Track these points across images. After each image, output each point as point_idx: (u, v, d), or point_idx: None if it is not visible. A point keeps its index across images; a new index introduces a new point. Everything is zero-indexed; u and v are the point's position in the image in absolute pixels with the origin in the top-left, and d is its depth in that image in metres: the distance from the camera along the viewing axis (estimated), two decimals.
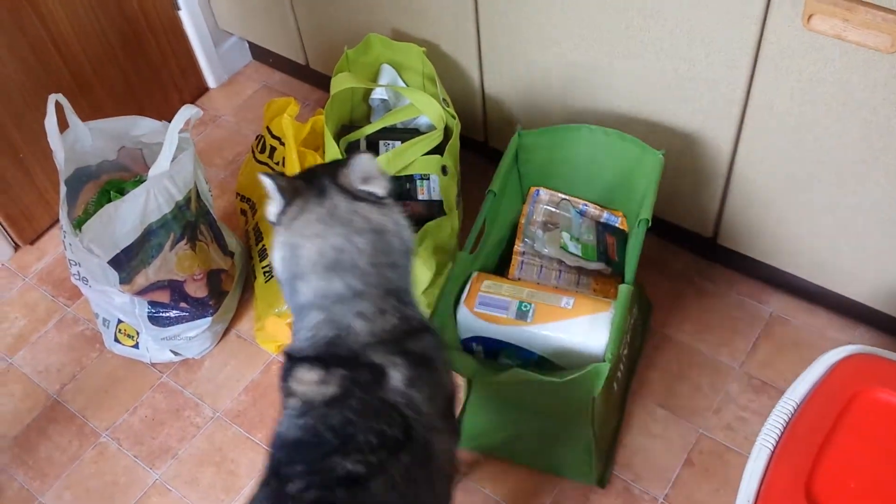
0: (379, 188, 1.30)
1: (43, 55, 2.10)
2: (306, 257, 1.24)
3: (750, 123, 1.63)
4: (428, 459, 1.19)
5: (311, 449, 1.12)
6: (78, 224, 1.72)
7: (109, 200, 1.87)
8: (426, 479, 1.18)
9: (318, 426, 1.13)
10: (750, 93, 1.58)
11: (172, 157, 1.68)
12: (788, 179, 1.67)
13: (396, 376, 1.18)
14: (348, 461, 1.09)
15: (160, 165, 1.67)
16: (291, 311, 1.29)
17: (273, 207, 1.29)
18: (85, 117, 1.88)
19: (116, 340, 1.99)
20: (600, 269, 1.71)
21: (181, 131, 1.69)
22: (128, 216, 1.67)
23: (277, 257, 1.29)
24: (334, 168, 1.31)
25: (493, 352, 1.58)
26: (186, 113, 1.68)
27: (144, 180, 1.75)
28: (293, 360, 1.21)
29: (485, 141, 2.18)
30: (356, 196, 1.28)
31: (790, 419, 1.31)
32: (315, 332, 1.22)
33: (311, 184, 1.29)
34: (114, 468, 1.87)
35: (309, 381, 1.18)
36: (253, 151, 2.16)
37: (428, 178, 1.92)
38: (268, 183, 1.28)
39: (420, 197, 1.92)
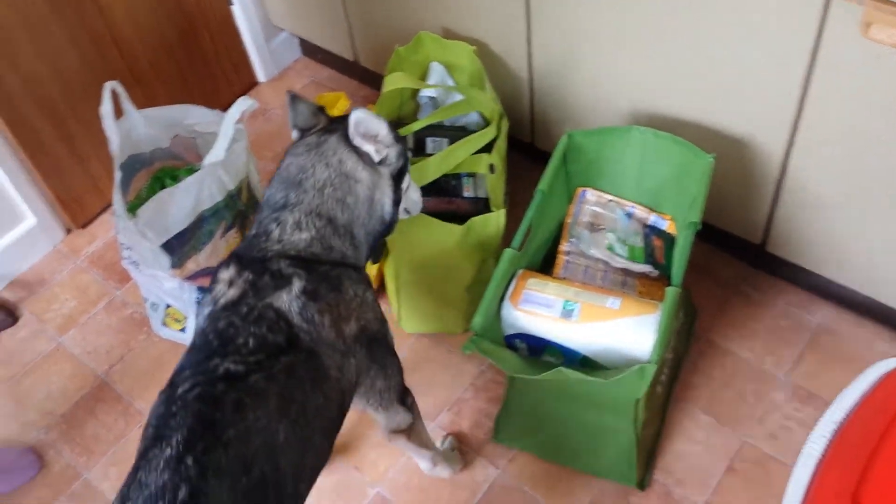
0: (374, 151, 1.41)
1: (101, 46, 2.15)
2: (280, 170, 1.42)
3: (803, 130, 1.61)
4: (314, 367, 1.25)
5: (198, 352, 1.23)
6: (131, 209, 1.75)
7: (163, 187, 1.92)
8: (311, 380, 1.25)
9: (207, 330, 1.25)
10: (804, 100, 1.56)
11: (227, 147, 1.71)
12: (841, 188, 1.65)
13: (297, 285, 1.27)
14: (227, 361, 1.19)
15: (215, 154, 1.70)
16: None
17: (293, 124, 1.46)
18: (139, 107, 1.92)
19: (164, 324, 2.03)
20: (647, 271, 1.70)
21: (236, 122, 1.72)
22: (182, 203, 1.70)
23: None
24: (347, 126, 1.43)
25: (536, 349, 1.59)
26: (242, 104, 1.71)
27: (197, 169, 1.78)
28: (226, 258, 1.34)
29: (531, 141, 2.19)
30: (351, 146, 1.40)
31: (838, 428, 1.29)
32: (249, 233, 1.37)
33: (329, 123, 1.45)
34: None
35: (223, 278, 1.30)
36: None
37: (473, 176, 1.93)
38: (287, 101, 1.46)
39: (465, 194, 1.93)
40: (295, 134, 1.47)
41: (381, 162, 1.42)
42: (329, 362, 1.28)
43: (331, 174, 1.38)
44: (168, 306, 1.99)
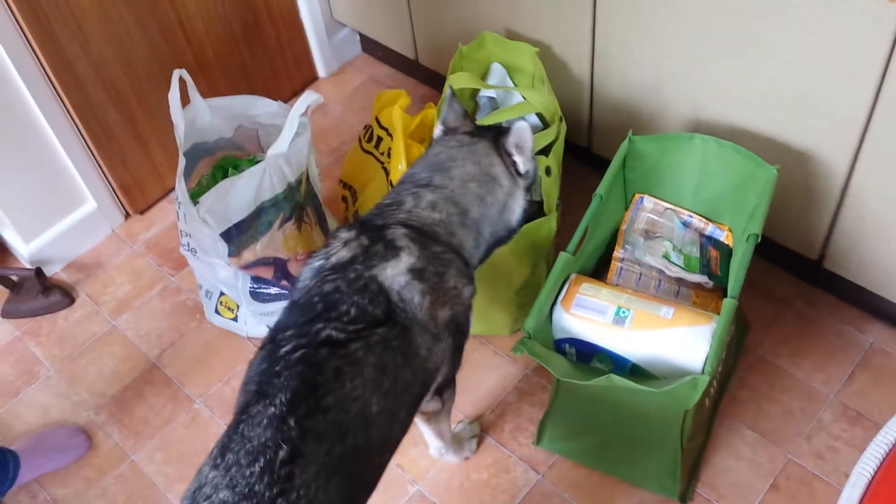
0: (521, 163, 1.48)
1: (169, 35, 2.20)
2: (428, 154, 1.49)
3: (869, 147, 1.59)
4: (406, 343, 1.29)
5: (302, 312, 1.27)
6: (192, 196, 1.79)
7: (224, 176, 1.95)
8: (403, 353, 1.29)
9: (313, 290, 1.29)
10: (872, 115, 1.54)
11: (291, 139, 1.74)
12: None
13: (406, 260, 1.31)
14: (329, 327, 1.23)
15: (279, 146, 1.73)
16: None
17: (437, 129, 1.55)
18: (202, 96, 1.95)
19: (217, 312, 2.06)
20: (702, 282, 1.69)
21: (301, 115, 1.74)
22: (243, 192, 1.73)
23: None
24: (501, 130, 1.51)
25: (585, 355, 1.58)
26: (308, 98, 1.73)
27: (259, 160, 1.81)
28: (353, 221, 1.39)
29: (588, 146, 2.18)
30: (500, 155, 1.48)
31: (890, 451, 1.27)
32: (381, 201, 1.43)
33: (478, 129, 1.53)
34: (204, 434, 1.94)
35: (341, 237, 1.35)
36: (360, 140, 2.21)
37: None
38: (448, 96, 1.54)
39: None
40: (439, 129, 1.54)
41: (522, 175, 1.50)
42: (420, 341, 1.32)
43: (479, 172, 1.45)
44: (222, 294, 2.02)
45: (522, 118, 1.49)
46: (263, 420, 1.15)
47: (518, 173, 1.49)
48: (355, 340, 1.23)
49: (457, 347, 1.43)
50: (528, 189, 1.54)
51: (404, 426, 1.35)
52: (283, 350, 1.22)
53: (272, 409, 1.16)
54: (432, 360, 1.36)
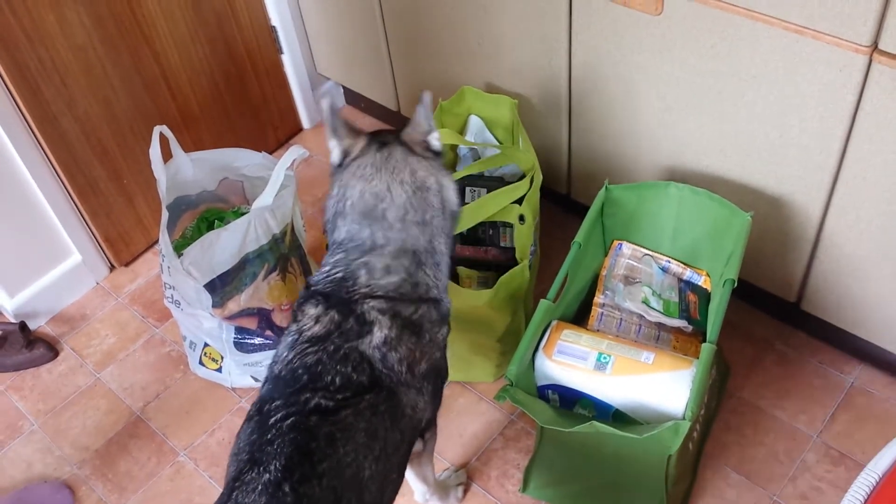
0: (434, 141, 1.42)
1: (153, 90, 2.23)
2: (350, 198, 1.38)
3: (841, 191, 1.62)
4: (393, 405, 1.30)
5: (287, 384, 1.26)
6: (176, 248, 1.80)
7: (209, 227, 1.97)
8: (391, 416, 1.30)
9: (296, 363, 1.28)
10: (843, 162, 1.58)
11: (276, 192, 1.76)
12: (880, 249, 1.65)
13: (378, 335, 1.31)
14: (317, 396, 1.24)
15: (264, 199, 1.75)
16: (329, 246, 1.43)
17: (334, 150, 1.42)
18: (186, 149, 1.99)
19: (201, 363, 2.06)
20: (681, 326, 1.71)
21: (287, 169, 1.77)
22: (228, 244, 1.75)
23: (330, 197, 1.42)
24: (399, 128, 1.44)
25: (568, 401, 1.59)
26: (294, 153, 1.76)
27: (244, 212, 1.83)
28: (309, 290, 1.37)
29: (567, 193, 2.22)
30: (413, 150, 1.40)
31: (871, 492, 1.28)
32: (331, 269, 1.38)
33: (375, 137, 1.43)
34: (189, 487, 1.92)
35: (310, 314, 1.33)
36: None
37: (511, 227, 1.96)
38: (327, 119, 1.41)
39: (502, 243, 1.96)
40: (336, 143, 1.41)
41: (440, 153, 1.43)
42: (405, 400, 1.33)
43: (408, 194, 1.36)
44: (206, 345, 2.03)
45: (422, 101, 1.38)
46: (258, 486, 1.15)
47: (436, 154, 1.42)
48: (344, 408, 1.24)
49: (436, 390, 1.44)
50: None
51: (395, 487, 1.36)
52: (273, 419, 1.22)
53: (267, 475, 1.15)
54: (416, 417, 1.37)
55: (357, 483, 1.22)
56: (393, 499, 1.35)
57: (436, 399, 1.45)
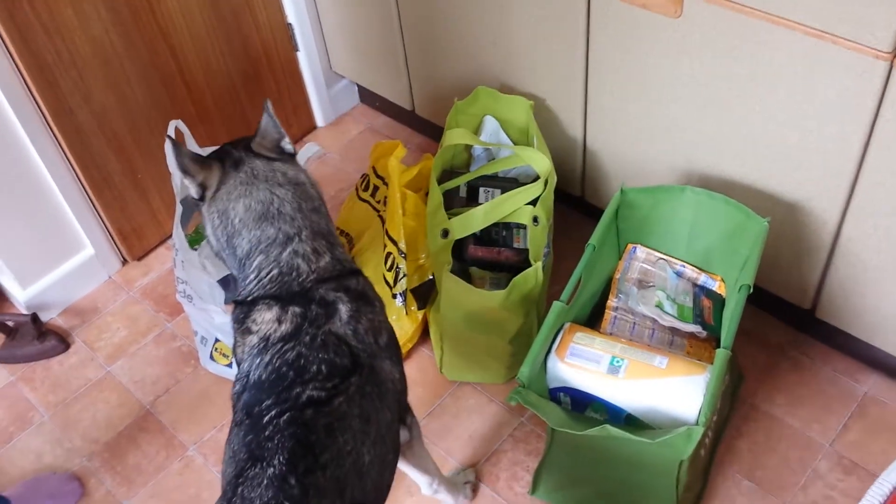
0: (287, 145, 1.45)
1: (170, 85, 2.24)
2: (236, 215, 1.38)
3: (859, 198, 1.61)
4: (376, 382, 1.31)
5: (274, 384, 1.25)
6: (190, 243, 1.80)
7: None
8: (378, 395, 1.31)
9: (277, 362, 1.26)
10: (861, 168, 1.57)
11: None
12: (895, 258, 1.64)
13: (344, 310, 1.32)
14: (308, 389, 1.23)
15: None
16: (235, 274, 1.42)
17: (191, 187, 1.42)
18: (201, 144, 1.98)
19: (211, 358, 2.06)
20: (695, 331, 1.70)
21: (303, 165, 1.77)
22: None
23: (209, 230, 1.42)
24: (244, 140, 1.45)
25: (580, 404, 1.59)
26: (310, 150, 1.77)
27: None
28: (247, 303, 1.34)
29: (581, 195, 2.21)
30: (270, 158, 1.42)
31: (885, 501, 1.27)
32: (258, 273, 1.35)
33: (226, 159, 1.42)
34: (198, 482, 1.92)
35: (267, 319, 1.30)
36: (356, 189, 2.23)
37: (524, 228, 1.95)
38: (170, 155, 1.46)
39: (516, 245, 1.95)
40: (192, 183, 1.40)
41: (295, 153, 1.47)
42: (384, 375, 1.33)
43: (291, 191, 1.39)
44: (217, 341, 2.03)
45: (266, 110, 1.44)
46: (263, 480, 1.15)
47: (290, 155, 1.45)
48: (336, 396, 1.24)
49: (400, 363, 1.44)
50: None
51: (392, 469, 1.36)
52: (268, 417, 1.21)
53: (271, 469, 1.15)
54: (397, 387, 1.39)
55: (358, 470, 1.23)
56: (391, 481, 1.35)
57: (402, 373, 1.45)
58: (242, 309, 1.35)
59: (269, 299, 1.32)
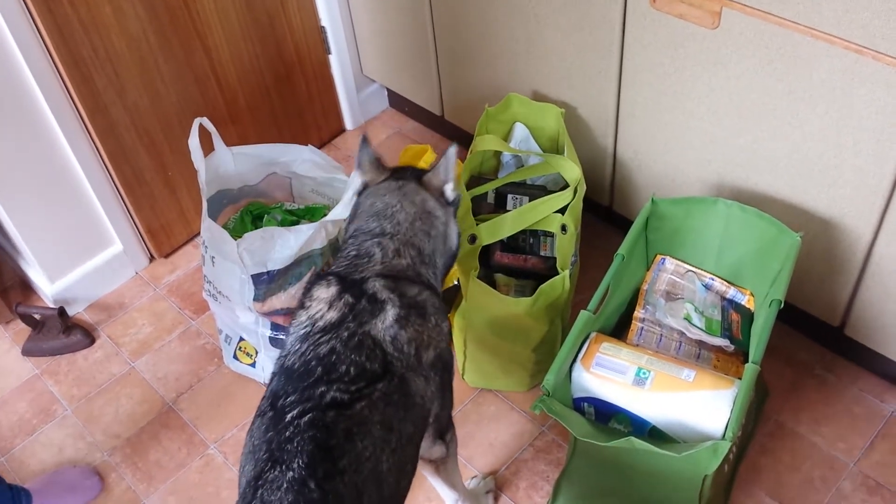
0: (449, 192, 1.53)
1: (203, 84, 2.25)
2: (364, 207, 1.51)
3: (893, 216, 1.59)
4: (405, 393, 1.31)
5: (301, 377, 1.26)
6: (233, 233, 1.80)
7: (253, 221, 1.98)
8: (403, 406, 1.31)
9: (309, 355, 1.29)
10: None
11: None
12: None
13: (391, 312, 1.33)
14: (332, 389, 1.24)
15: (339, 213, 1.78)
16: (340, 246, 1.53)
17: (356, 181, 1.57)
18: (232, 144, 2.00)
19: (235, 357, 2.07)
20: (723, 345, 1.68)
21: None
22: (289, 244, 1.76)
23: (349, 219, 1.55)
24: (418, 170, 1.56)
25: (604, 415, 1.57)
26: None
27: (289, 209, 1.82)
28: (318, 275, 1.42)
29: (609, 205, 2.20)
30: (428, 190, 1.52)
31: None
32: (344, 256, 1.44)
33: (396, 172, 1.56)
34: (217, 480, 1.93)
35: (322, 297, 1.34)
36: None
37: (552, 236, 1.95)
38: (361, 143, 1.58)
39: (542, 252, 1.95)
40: (359, 176, 1.57)
41: (451, 202, 1.55)
42: (415, 388, 1.33)
43: (418, 210, 1.49)
44: (241, 340, 2.03)
45: (453, 144, 1.53)
46: (283, 484, 1.15)
47: (447, 202, 1.54)
48: (359, 400, 1.24)
49: (444, 385, 1.44)
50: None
51: (409, 479, 1.36)
52: (290, 416, 1.22)
53: (291, 472, 1.16)
54: (426, 407, 1.37)
55: (377, 476, 1.23)
56: (406, 491, 1.35)
57: (445, 395, 1.46)
58: (311, 279, 1.43)
59: (333, 276, 1.38)
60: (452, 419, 1.55)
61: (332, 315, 1.32)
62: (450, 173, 1.51)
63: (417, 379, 1.33)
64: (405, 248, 1.44)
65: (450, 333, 1.48)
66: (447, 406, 1.49)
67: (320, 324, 1.32)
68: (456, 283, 2.01)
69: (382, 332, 1.31)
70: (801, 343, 2.01)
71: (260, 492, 1.16)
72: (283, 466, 1.16)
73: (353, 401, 1.23)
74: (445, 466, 1.61)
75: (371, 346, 1.29)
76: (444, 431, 1.52)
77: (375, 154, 1.58)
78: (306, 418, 1.20)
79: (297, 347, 1.31)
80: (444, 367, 1.42)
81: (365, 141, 1.58)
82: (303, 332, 1.33)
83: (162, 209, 2.33)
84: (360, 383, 1.25)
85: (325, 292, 1.35)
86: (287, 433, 1.19)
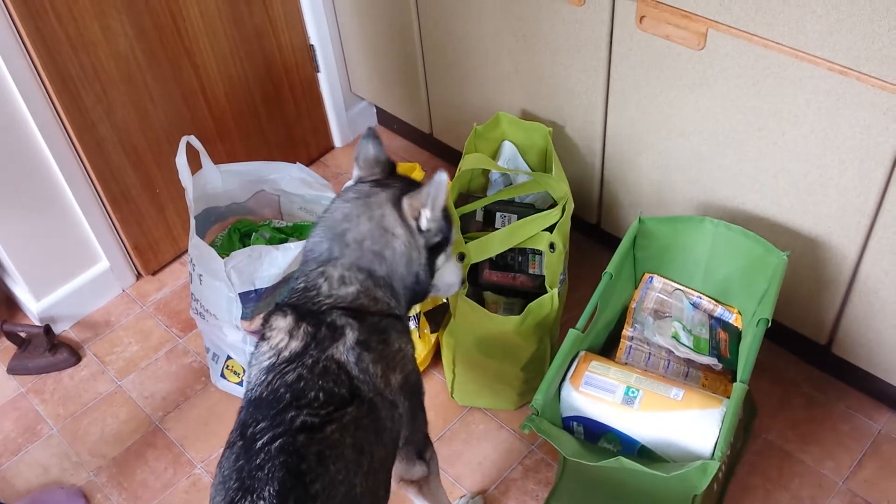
0: (424, 220, 1.38)
1: (191, 102, 2.25)
2: (329, 210, 1.43)
3: (879, 235, 1.60)
4: (375, 418, 1.29)
5: (271, 405, 1.24)
6: (220, 251, 1.80)
7: (241, 239, 1.97)
8: (374, 430, 1.29)
9: (276, 382, 1.26)
10: (882, 205, 1.57)
11: None
12: None
13: (351, 336, 1.30)
14: (302, 414, 1.22)
15: None
16: None
17: (355, 173, 1.49)
18: (220, 161, 2.00)
19: (222, 376, 2.06)
20: (711, 364, 1.69)
21: None
22: (277, 262, 1.75)
23: None
24: (409, 183, 1.44)
25: (593, 434, 1.57)
26: None
27: (278, 226, 1.82)
28: (276, 306, 1.36)
29: (597, 223, 2.21)
30: (400, 206, 1.37)
31: None
32: (294, 288, 1.39)
33: (384, 179, 1.45)
34: (204, 500, 1.91)
35: (281, 327, 1.31)
36: None
37: (540, 254, 1.95)
38: (364, 136, 1.48)
39: (531, 270, 1.95)
40: (356, 170, 1.48)
41: (423, 231, 1.39)
42: (384, 413, 1.31)
43: (371, 227, 1.37)
44: (229, 358, 2.02)
45: (441, 171, 1.36)
46: None
47: (419, 229, 1.39)
48: (329, 423, 1.22)
49: (414, 407, 1.42)
50: (435, 249, 1.43)
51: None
52: (260, 442, 1.20)
53: (262, 502, 1.13)
54: (395, 430, 1.36)
55: (351, 500, 1.21)
56: None
57: (416, 415, 1.44)
58: (270, 311, 1.37)
59: (288, 307, 1.34)
60: (429, 437, 1.53)
61: (295, 344, 1.29)
62: (432, 200, 1.36)
63: (385, 403, 1.32)
64: (351, 274, 1.36)
65: (414, 356, 1.43)
66: (420, 427, 1.48)
67: (285, 353, 1.29)
68: (445, 301, 2.01)
69: (346, 353, 1.29)
70: (789, 361, 2.02)
71: None
72: (254, 496, 1.14)
73: (324, 424, 1.22)
74: (429, 486, 1.59)
75: (336, 371, 1.27)
76: (423, 450, 1.51)
77: (377, 151, 1.45)
78: (277, 444, 1.18)
79: (262, 378, 1.28)
80: (412, 390, 1.41)
81: (370, 134, 1.46)
82: (267, 363, 1.30)
83: (149, 226, 2.32)
84: (329, 408, 1.24)
85: (282, 322, 1.31)
86: (257, 460, 1.17)
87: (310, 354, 1.28)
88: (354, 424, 1.25)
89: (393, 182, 1.44)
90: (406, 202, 1.37)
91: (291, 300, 1.36)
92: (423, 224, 1.38)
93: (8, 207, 2.05)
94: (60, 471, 1.99)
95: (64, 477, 1.98)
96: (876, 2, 1.35)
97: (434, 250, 1.42)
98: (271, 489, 1.14)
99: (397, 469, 1.52)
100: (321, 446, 1.20)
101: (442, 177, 1.34)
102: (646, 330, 1.73)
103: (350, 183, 1.47)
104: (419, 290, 1.44)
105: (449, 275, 1.50)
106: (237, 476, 1.17)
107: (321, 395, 1.24)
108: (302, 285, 1.37)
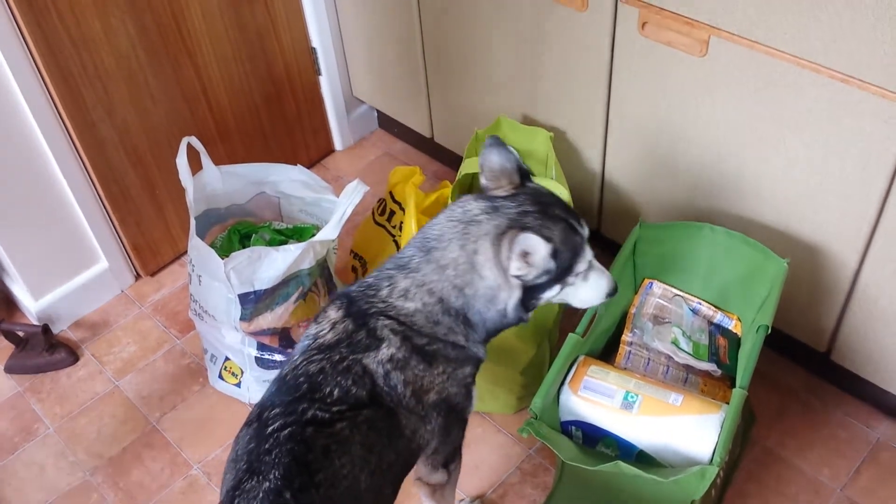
0: (514, 268, 1.28)
1: (192, 102, 2.25)
2: (430, 225, 1.36)
3: (879, 243, 1.61)
4: (392, 424, 1.30)
5: (287, 391, 1.27)
6: (221, 252, 1.80)
7: (241, 240, 1.97)
8: (388, 434, 1.30)
9: (301, 370, 1.29)
10: (883, 213, 1.57)
11: (341, 226, 1.79)
12: None
13: (385, 352, 1.29)
14: (313, 408, 1.24)
15: (329, 233, 1.77)
16: None
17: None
18: (220, 162, 2.00)
19: (220, 377, 2.06)
20: (710, 370, 1.69)
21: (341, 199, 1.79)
22: (277, 264, 1.75)
23: None
24: (533, 208, 1.32)
25: (592, 438, 1.57)
26: (359, 189, 1.77)
27: (278, 228, 1.82)
28: (338, 295, 1.37)
29: (597, 228, 2.21)
30: (497, 244, 1.28)
31: None
32: (373, 272, 1.38)
33: (517, 189, 1.35)
34: (201, 501, 1.91)
35: (329, 317, 1.33)
36: (373, 213, 2.24)
37: None
38: (488, 144, 1.38)
39: None
40: (482, 179, 1.38)
41: (518, 276, 1.30)
42: (405, 423, 1.32)
43: (458, 258, 1.29)
44: (227, 359, 2.02)
45: (532, 234, 1.24)
46: (259, 494, 1.17)
47: (513, 274, 1.29)
48: (339, 420, 1.24)
49: (449, 424, 1.42)
50: (539, 287, 1.32)
51: (389, 502, 1.37)
52: (271, 428, 1.23)
53: (267, 483, 1.17)
54: (416, 442, 1.36)
55: (353, 495, 1.24)
56: None
57: (448, 432, 1.44)
58: (333, 297, 1.38)
59: (345, 299, 1.35)
60: (460, 450, 1.53)
61: (330, 337, 1.32)
62: (530, 257, 1.25)
63: (410, 417, 1.33)
64: (418, 291, 1.30)
65: (468, 379, 1.38)
66: (454, 441, 1.48)
67: (320, 341, 1.32)
68: None
69: (375, 365, 1.30)
70: (788, 368, 2.02)
71: (237, 501, 1.18)
72: (260, 477, 1.18)
73: (334, 420, 1.24)
74: (443, 493, 1.60)
75: (360, 374, 1.29)
76: (450, 461, 1.52)
77: (502, 159, 1.33)
78: (286, 432, 1.22)
79: (296, 358, 1.32)
80: (450, 409, 1.39)
81: (492, 143, 1.35)
82: (305, 343, 1.33)
83: (149, 227, 2.32)
84: (341, 406, 1.26)
85: (333, 313, 1.34)
86: (267, 445, 1.21)
87: (339, 351, 1.30)
88: (367, 424, 1.27)
89: (510, 205, 1.31)
90: (506, 242, 1.26)
91: (353, 292, 1.36)
92: (512, 271, 1.28)
93: (6, 206, 2.05)
94: (56, 470, 1.99)
95: (60, 476, 1.97)
96: (878, 10, 1.35)
97: (538, 288, 1.33)
98: (277, 473, 1.18)
99: (419, 470, 1.53)
100: (329, 440, 1.22)
101: (530, 240, 1.24)
102: (645, 335, 1.73)
103: (482, 183, 1.37)
104: (506, 324, 1.37)
105: (585, 290, 1.40)
106: (247, 458, 1.22)
107: (336, 391, 1.26)
108: (370, 280, 1.36)
